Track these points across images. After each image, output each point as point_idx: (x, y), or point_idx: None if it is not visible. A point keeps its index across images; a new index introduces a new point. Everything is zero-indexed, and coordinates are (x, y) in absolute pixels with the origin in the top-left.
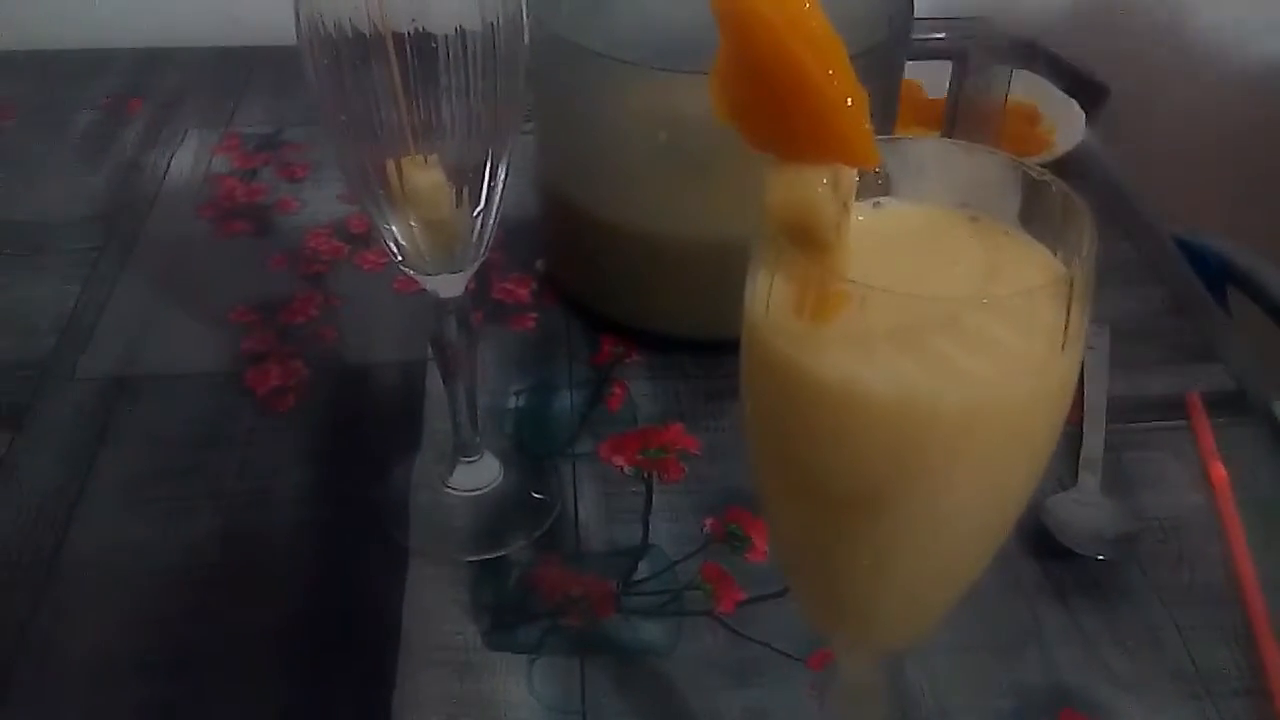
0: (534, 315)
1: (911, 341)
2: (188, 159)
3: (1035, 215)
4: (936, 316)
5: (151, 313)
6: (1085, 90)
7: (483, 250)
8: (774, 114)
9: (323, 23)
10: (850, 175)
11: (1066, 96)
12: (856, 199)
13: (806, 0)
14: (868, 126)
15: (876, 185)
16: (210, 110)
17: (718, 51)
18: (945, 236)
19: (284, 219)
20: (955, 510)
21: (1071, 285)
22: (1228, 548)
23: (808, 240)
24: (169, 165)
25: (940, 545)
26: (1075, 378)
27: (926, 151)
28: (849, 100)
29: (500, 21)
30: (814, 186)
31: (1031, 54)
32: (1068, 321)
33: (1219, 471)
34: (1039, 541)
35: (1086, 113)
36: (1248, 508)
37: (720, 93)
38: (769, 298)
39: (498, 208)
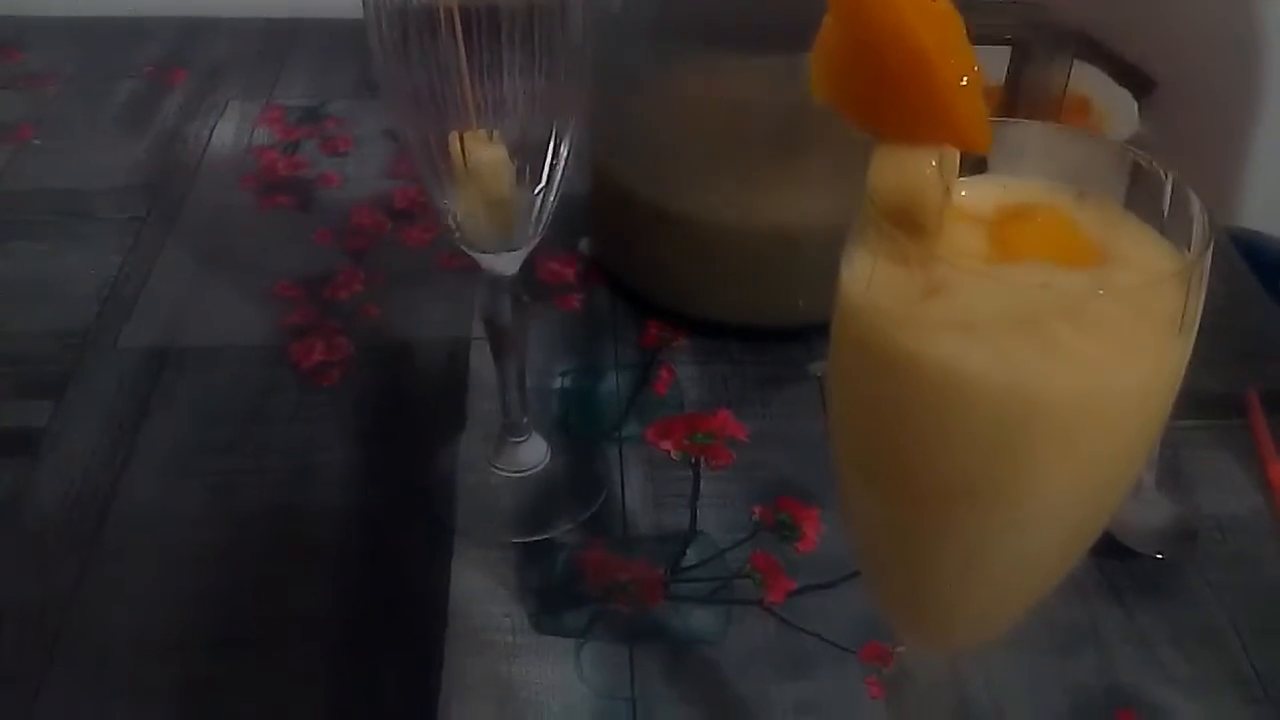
0: (579, 296)
1: (1022, 324)
2: (229, 130)
3: (1141, 200)
4: (1050, 303)
5: (194, 284)
6: (1131, 81)
7: (541, 229)
8: (883, 93)
9: None
10: (954, 157)
11: (1119, 87)
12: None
13: None
14: (983, 108)
15: (975, 165)
16: (252, 82)
17: (822, 27)
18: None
19: (326, 193)
20: (1055, 503)
21: (1191, 273)
22: None
23: (910, 223)
24: (210, 136)
25: (1035, 540)
26: (1186, 363)
27: (1029, 135)
28: (965, 79)
29: None
30: (923, 169)
31: (1082, 43)
32: (1185, 307)
33: (1277, 471)
34: (1096, 539)
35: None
36: None
37: (823, 70)
38: (870, 278)
39: (558, 186)
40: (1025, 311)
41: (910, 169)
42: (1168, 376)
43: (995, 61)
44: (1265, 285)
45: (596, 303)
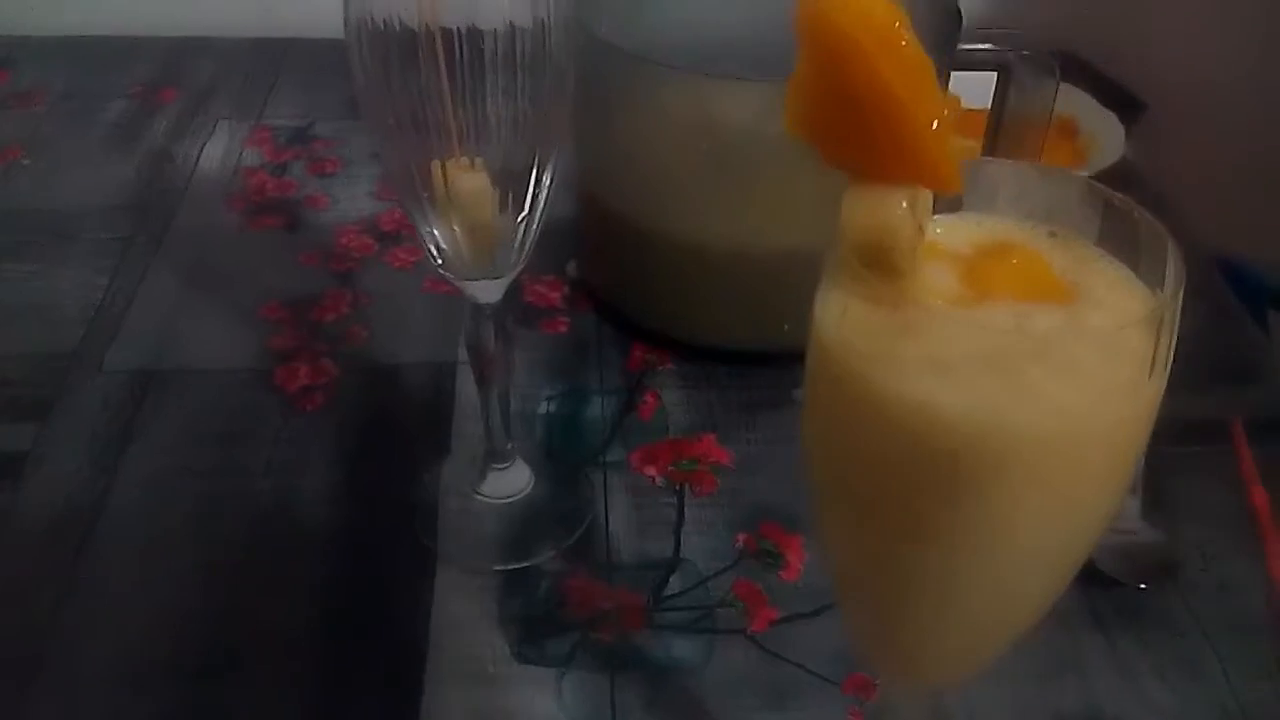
0: (565, 319)
1: (994, 366)
2: (218, 151)
3: (1114, 239)
4: (1022, 346)
5: (180, 306)
6: (1121, 104)
7: (524, 256)
8: (855, 134)
9: (371, 19)
10: (927, 197)
11: (1105, 110)
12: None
13: (895, 17)
14: (954, 150)
15: (949, 204)
16: (242, 102)
17: (796, 65)
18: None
19: (314, 215)
20: (1029, 542)
21: (1163, 315)
22: (1269, 577)
23: (883, 263)
24: (199, 156)
25: (1010, 578)
26: (1159, 403)
27: (1003, 174)
28: (935, 123)
29: (551, 20)
30: (894, 209)
31: (1071, 66)
32: (1156, 349)
33: (1261, 498)
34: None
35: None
36: None
37: (796, 107)
38: (843, 316)
39: (541, 214)
40: (997, 354)
41: (882, 209)
42: (1140, 417)
43: (982, 86)
44: (1250, 311)
45: (583, 326)
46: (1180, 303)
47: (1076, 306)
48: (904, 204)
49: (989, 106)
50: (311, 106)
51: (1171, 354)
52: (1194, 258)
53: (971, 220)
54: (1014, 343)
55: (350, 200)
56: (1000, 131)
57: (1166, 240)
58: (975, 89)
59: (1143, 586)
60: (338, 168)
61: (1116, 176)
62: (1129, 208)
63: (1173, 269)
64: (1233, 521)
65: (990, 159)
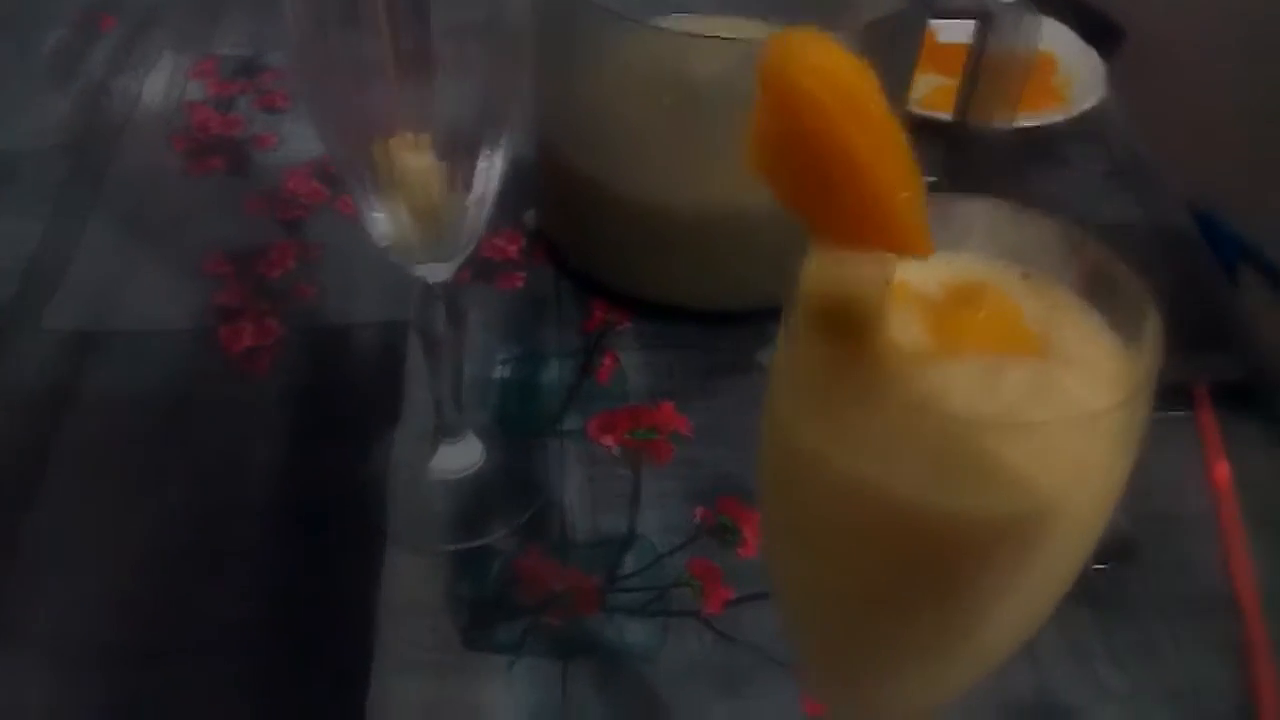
0: (523, 274)
1: (958, 445)
2: (160, 84)
3: (1090, 284)
4: (986, 433)
5: (120, 259)
6: (1098, 32)
7: (475, 238)
8: (819, 194)
9: None
10: (894, 260)
11: (1086, 46)
12: None
13: (865, 80)
14: (922, 216)
15: None
16: (188, 30)
17: (755, 111)
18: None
19: (261, 155)
20: (994, 615)
21: (1138, 388)
22: (1228, 555)
23: (846, 329)
24: (141, 90)
25: (971, 647)
26: (1130, 470)
27: (974, 211)
28: (904, 190)
29: None
30: (858, 280)
31: None
32: (1132, 426)
33: (1222, 471)
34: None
35: (1102, 59)
36: (1251, 511)
37: (758, 156)
38: (799, 381)
39: (494, 196)
40: (961, 433)
41: (846, 281)
42: (1114, 488)
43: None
44: (1221, 263)
45: (540, 282)
46: (1158, 370)
47: (1048, 365)
48: (868, 271)
49: (969, 44)
50: (260, 35)
51: (1148, 423)
52: (1170, 210)
53: (941, 260)
54: (977, 431)
55: (299, 140)
56: (979, 77)
57: (1147, 297)
58: (960, 29)
59: (1097, 567)
60: (287, 103)
61: (1093, 120)
62: (1106, 256)
63: (1150, 331)
64: (1194, 496)
65: (964, 196)
